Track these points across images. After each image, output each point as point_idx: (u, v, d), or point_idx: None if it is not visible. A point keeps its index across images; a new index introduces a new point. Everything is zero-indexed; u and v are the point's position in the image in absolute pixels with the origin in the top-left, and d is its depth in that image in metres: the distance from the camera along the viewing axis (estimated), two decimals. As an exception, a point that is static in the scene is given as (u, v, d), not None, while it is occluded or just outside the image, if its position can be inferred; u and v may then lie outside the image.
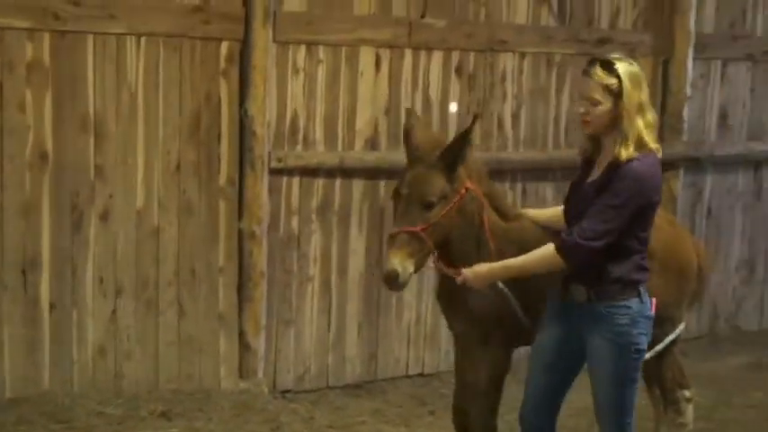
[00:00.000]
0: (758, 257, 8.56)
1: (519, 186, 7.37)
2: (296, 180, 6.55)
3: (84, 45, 5.86)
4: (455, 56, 6.98)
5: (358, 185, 6.75)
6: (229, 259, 6.35)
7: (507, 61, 7.19)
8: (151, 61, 6.05)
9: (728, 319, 8.44)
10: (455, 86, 7.01)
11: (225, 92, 6.26)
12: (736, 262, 8.45)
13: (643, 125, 4.18)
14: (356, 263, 6.82)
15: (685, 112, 7.80)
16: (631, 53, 7.52)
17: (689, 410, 5.31)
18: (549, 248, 4.22)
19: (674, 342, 5.15)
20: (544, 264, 4.25)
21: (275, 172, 6.43)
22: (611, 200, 4.12)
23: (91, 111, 5.91)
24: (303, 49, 6.47)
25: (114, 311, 6.09)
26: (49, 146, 5.84)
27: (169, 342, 6.23)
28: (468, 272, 4.37)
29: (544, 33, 7.29)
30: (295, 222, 6.59)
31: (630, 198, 4.13)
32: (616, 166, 4.16)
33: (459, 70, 7.00)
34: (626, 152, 4.15)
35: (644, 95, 4.24)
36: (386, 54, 6.73)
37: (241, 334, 6.42)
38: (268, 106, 6.32)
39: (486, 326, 4.71)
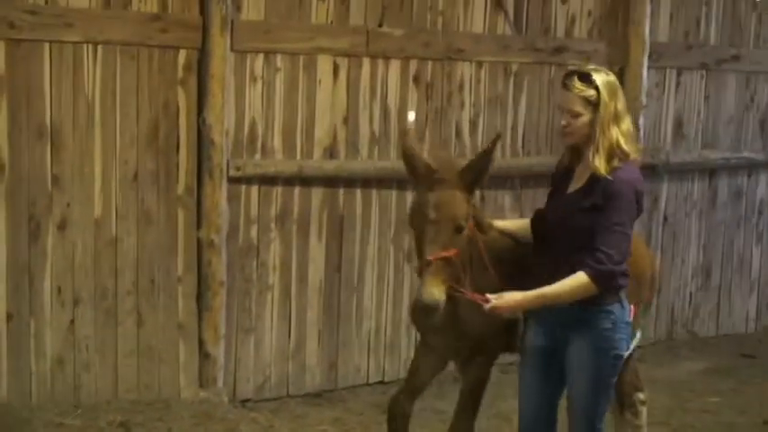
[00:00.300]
0: (714, 264, 8.65)
1: (477, 194, 7.38)
2: (255, 188, 6.55)
3: (41, 54, 5.83)
4: (413, 64, 7.01)
5: (317, 194, 6.76)
6: (188, 268, 6.33)
7: (465, 70, 7.23)
8: (108, 70, 6.03)
9: (685, 325, 8.52)
10: (413, 95, 7.04)
11: (183, 101, 6.25)
12: (692, 268, 8.54)
13: (619, 133, 4.25)
14: (316, 271, 6.82)
15: (641, 121, 7.86)
16: (587, 62, 7.64)
17: (644, 412, 5.38)
18: (581, 278, 4.19)
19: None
20: (579, 292, 4.21)
21: (234, 180, 6.43)
22: (617, 218, 4.19)
23: (47, 120, 5.89)
24: (261, 57, 6.48)
25: (72, 321, 6.05)
26: (5, 155, 5.81)
27: (128, 352, 6.20)
28: (499, 301, 4.24)
29: (501, 42, 7.34)
30: (254, 231, 6.59)
31: (630, 211, 4.25)
32: (599, 177, 4.22)
33: (416, 79, 7.04)
34: (599, 161, 4.23)
35: (620, 104, 4.30)
36: (344, 63, 6.75)
37: (201, 343, 6.40)
38: (226, 115, 6.32)
39: (481, 340, 4.71)
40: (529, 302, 4.27)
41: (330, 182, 6.77)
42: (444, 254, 4.23)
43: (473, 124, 7.31)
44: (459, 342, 4.76)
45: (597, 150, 4.23)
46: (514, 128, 7.51)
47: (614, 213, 4.19)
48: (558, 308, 4.29)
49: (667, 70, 8.16)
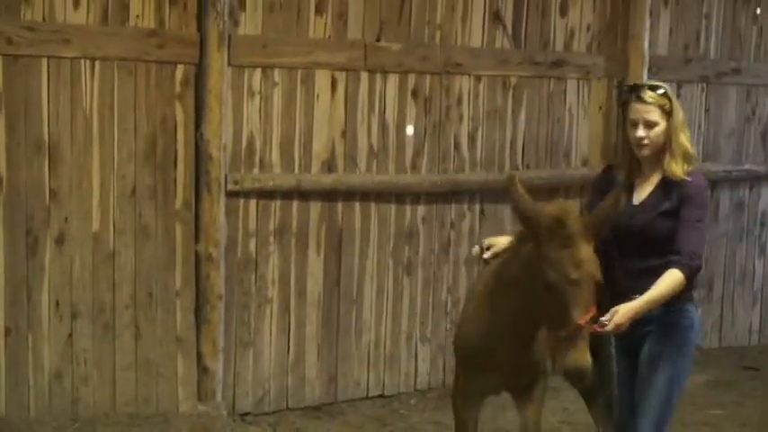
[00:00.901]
0: (716, 276, 8.64)
1: (477, 207, 7.42)
2: (253, 202, 6.58)
3: (39, 69, 5.87)
4: (411, 79, 7.04)
5: (315, 207, 6.78)
6: (186, 282, 6.36)
7: (463, 84, 7.25)
8: (106, 85, 6.07)
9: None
10: (411, 109, 7.07)
11: (180, 115, 6.29)
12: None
13: (686, 139, 4.57)
14: (314, 284, 6.84)
15: (641, 134, 7.85)
16: (586, 75, 7.69)
17: None
18: (676, 275, 4.34)
19: None
20: (675, 289, 4.38)
21: (232, 194, 6.46)
22: (698, 215, 4.48)
23: (45, 135, 5.93)
24: (259, 72, 6.51)
25: (70, 335, 6.08)
26: (3, 170, 5.85)
27: (126, 366, 6.22)
28: (617, 318, 4.22)
29: (499, 56, 7.36)
30: (252, 245, 6.61)
31: (707, 209, 4.61)
32: (674, 181, 4.50)
33: (415, 93, 7.06)
34: (676, 166, 4.52)
35: (683, 112, 4.64)
36: (342, 77, 6.78)
37: (199, 357, 6.42)
38: (224, 129, 6.35)
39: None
40: (640, 310, 4.32)
41: (328, 195, 6.80)
42: (591, 314, 4.10)
43: (472, 138, 7.33)
44: (531, 377, 4.79)
45: (674, 156, 4.51)
46: (513, 141, 7.52)
47: (695, 211, 4.47)
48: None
49: (667, 84, 8.10)
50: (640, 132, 4.53)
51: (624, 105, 4.72)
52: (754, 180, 8.70)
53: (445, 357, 7.29)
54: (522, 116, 7.52)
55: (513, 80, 7.46)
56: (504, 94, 7.45)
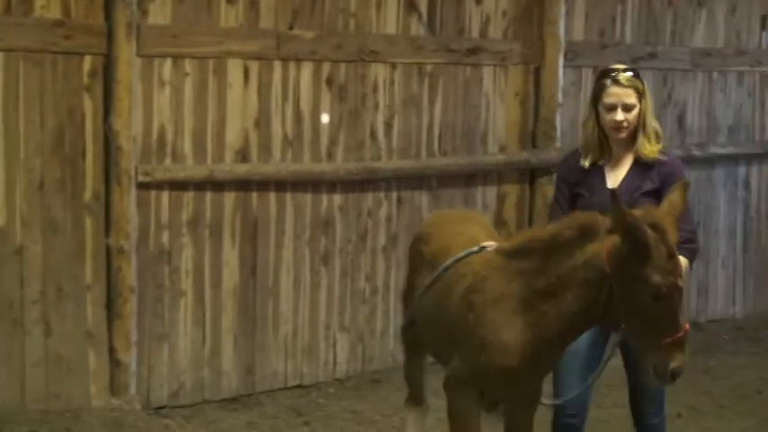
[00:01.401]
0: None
1: (394, 195, 7.41)
2: (165, 194, 6.50)
3: (-60, 62, 5.76)
4: (325, 67, 7.00)
5: (229, 198, 6.72)
6: (97, 276, 6.27)
7: (378, 72, 7.23)
8: (11, 77, 5.96)
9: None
10: (326, 97, 7.03)
11: (89, 107, 6.19)
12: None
13: (655, 119, 4.76)
14: (230, 275, 6.78)
15: (558, 119, 7.91)
16: (502, 62, 7.70)
17: None
18: (685, 262, 4.38)
19: None
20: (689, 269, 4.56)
21: (143, 186, 6.38)
22: None
23: (-52, 128, 5.82)
24: (169, 62, 6.43)
25: (-23, 332, 5.98)
26: None
27: (36, 362, 6.13)
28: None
29: (415, 43, 7.35)
30: (165, 236, 6.54)
31: None
32: (648, 162, 4.64)
33: (329, 81, 7.02)
34: (650, 146, 4.66)
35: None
36: (254, 66, 6.72)
37: (111, 351, 6.34)
38: (134, 121, 6.27)
39: None
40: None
41: (242, 185, 6.74)
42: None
43: (388, 126, 7.31)
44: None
45: (647, 137, 4.65)
46: (430, 129, 7.51)
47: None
48: None
49: (583, 69, 8.18)
50: (619, 116, 4.62)
51: (598, 90, 4.73)
52: (670, 164, 8.78)
53: (364, 346, 7.29)
54: (439, 103, 7.52)
55: (429, 67, 7.45)
56: (420, 81, 7.43)
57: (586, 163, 4.77)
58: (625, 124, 4.64)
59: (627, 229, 3.94)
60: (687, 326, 4.03)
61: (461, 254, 4.58)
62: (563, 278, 4.12)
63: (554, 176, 7.96)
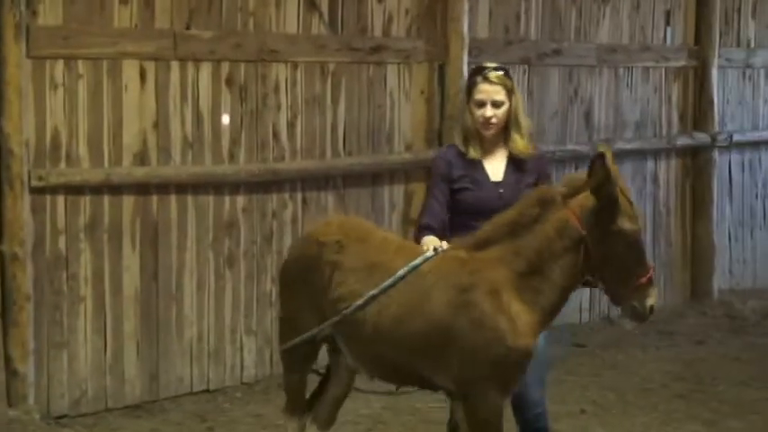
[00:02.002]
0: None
1: (299, 196, 7.34)
2: (60, 198, 6.36)
3: None
4: (225, 67, 6.91)
5: (128, 201, 6.60)
6: (-10, 284, 6.13)
7: (279, 71, 7.15)
8: None
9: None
10: (226, 98, 6.94)
11: (-22, 110, 6.05)
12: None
13: (525, 116, 4.93)
14: (131, 280, 6.66)
15: (463, 116, 7.88)
16: (406, 60, 7.67)
17: None
18: None
19: None
20: None
21: (37, 191, 6.23)
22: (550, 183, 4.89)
23: None
24: (61, 63, 6.29)
25: None
26: None
27: (-73, 373, 5.97)
28: None
29: (316, 42, 7.29)
30: (62, 242, 6.40)
31: None
32: (521, 157, 4.81)
33: (229, 81, 6.93)
34: (522, 142, 4.83)
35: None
36: (151, 67, 6.61)
37: (7, 360, 6.18)
38: (25, 124, 6.13)
39: None
40: None
41: (141, 189, 6.62)
42: None
43: (291, 126, 7.24)
44: None
45: (519, 133, 4.82)
46: (334, 128, 7.46)
47: (549, 180, 4.91)
48: None
49: (490, 66, 8.17)
50: (488, 112, 4.76)
51: (470, 87, 4.87)
52: (578, 160, 8.78)
53: (272, 349, 7.19)
54: (342, 103, 7.46)
55: (332, 66, 7.39)
56: (323, 80, 7.37)
57: (475, 155, 4.84)
58: (494, 120, 4.78)
59: (606, 186, 4.23)
60: (652, 264, 4.46)
61: (417, 260, 4.47)
62: (542, 253, 4.31)
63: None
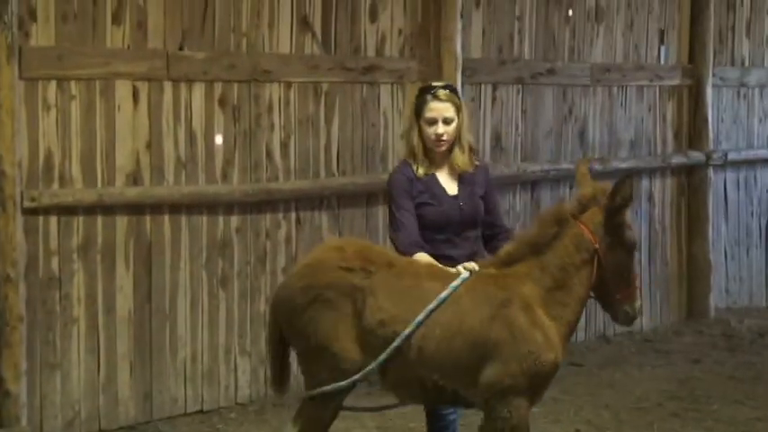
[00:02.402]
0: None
1: (293, 216, 7.34)
2: (53, 219, 6.36)
3: None
4: (218, 87, 6.92)
5: (121, 222, 6.60)
6: (-18, 305, 6.12)
7: (273, 91, 7.17)
8: None
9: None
10: (219, 118, 6.95)
11: (-30, 132, 6.05)
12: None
13: (470, 132, 5.09)
14: (124, 301, 6.65)
15: (457, 136, 7.88)
16: (399, 80, 7.69)
17: None
18: None
19: None
20: None
21: (30, 212, 6.23)
22: (497, 197, 5.31)
23: None
24: (54, 84, 6.30)
25: None
26: None
27: None
28: None
29: (309, 62, 7.31)
30: (55, 263, 6.39)
31: None
32: (472, 171, 5.00)
33: (222, 102, 6.95)
34: (463, 157, 4.96)
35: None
36: (144, 87, 6.62)
37: (0, 381, 6.17)
38: (18, 145, 6.13)
39: None
40: None
41: (135, 209, 6.63)
42: None
43: (284, 146, 7.25)
44: None
45: (462, 149, 4.96)
46: (328, 148, 7.47)
47: (497, 195, 5.27)
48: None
49: (482, 85, 8.22)
50: (440, 129, 4.90)
51: (420, 105, 4.97)
52: (573, 179, 8.72)
53: (266, 369, 7.16)
54: (336, 122, 7.48)
55: (325, 86, 7.41)
56: (316, 100, 7.39)
57: (421, 172, 4.97)
58: (445, 137, 4.92)
59: (627, 205, 4.58)
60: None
61: (457, 282, 4.59)
62: (565, 268, 4.57)
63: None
